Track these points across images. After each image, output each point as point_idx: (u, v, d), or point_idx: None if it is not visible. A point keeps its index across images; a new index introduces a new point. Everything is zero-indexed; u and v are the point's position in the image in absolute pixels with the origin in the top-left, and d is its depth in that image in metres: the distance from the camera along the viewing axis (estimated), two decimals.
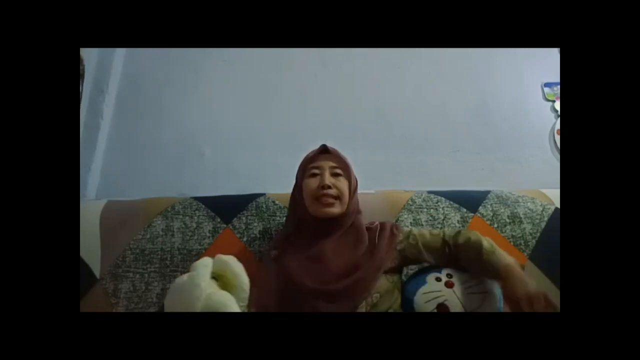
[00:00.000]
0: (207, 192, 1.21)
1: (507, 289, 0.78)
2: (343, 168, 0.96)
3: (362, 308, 0.80)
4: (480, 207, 1.13)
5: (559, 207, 1.13)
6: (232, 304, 0.79)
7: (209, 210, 1.12)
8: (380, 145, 1.46)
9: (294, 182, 1.02)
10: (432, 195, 1.17)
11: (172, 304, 0.84)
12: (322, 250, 0.88)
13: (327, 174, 0.93)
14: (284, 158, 1.35)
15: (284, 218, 1.09)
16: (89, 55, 1.37)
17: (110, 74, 1.46)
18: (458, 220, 1.10)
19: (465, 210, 1.12)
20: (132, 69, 1.52)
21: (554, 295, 0.95)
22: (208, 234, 1.07)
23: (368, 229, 0.95)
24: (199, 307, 0.76)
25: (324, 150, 0.98)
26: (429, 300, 0.84)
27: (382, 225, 0.95)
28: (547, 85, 1.57)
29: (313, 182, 0.93)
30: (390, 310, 0.82)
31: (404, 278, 0.94)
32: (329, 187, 0.91)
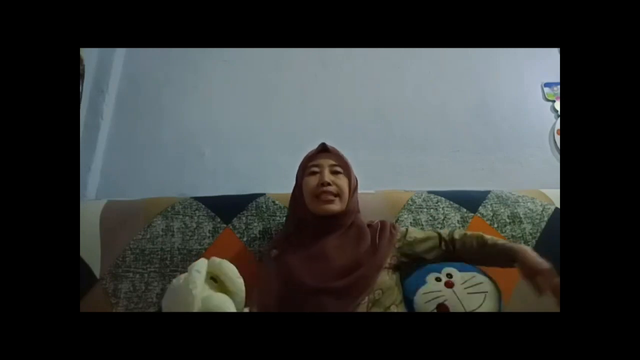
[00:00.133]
0: (207, 192, 1.21)
1: (526, 265, 0.78)
2: (343, 166, 0.96)
3: (365, 304, 0.80)
4: (480, 207, 1.13)
5: (559, 207, 1.13)
6: (229, 306, 0.79)
7: (209, 210, 1.12)
8: (380, 145, 1.46)
9: (294, 182, 1.02)
10: (432, 195, 1.17)
11: (167, 308, 0.84)
12: (324, 248, 0.88)
13: (326, 171, 0.94)
14: (284, 158, 1.35)
15: (284, 218, 1.09)
16: (89, 55, 1.37)
17: (110, 74, 1.46)
18: (458, 220, 1.10)
19: (465, 210, 1.12)
20: (132, 69, 1.52)
21: None
22: (208, 234, 1.07)
23: (369, 226, 0.95)
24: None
25: (324, 149, 0.99)
26: (429, 301, 0.84)
27: (383, 223, 0.95)
28: (547, 85, 1.57)
29: (313, 180, 0.94)
30: (393, 306, 0.83)
31: (403, 276, 0.94)
32: (329, 185, 0.91)
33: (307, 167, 0.97)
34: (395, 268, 0.90)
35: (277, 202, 1.14)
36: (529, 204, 1.14)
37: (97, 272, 1.00)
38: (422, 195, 1.17)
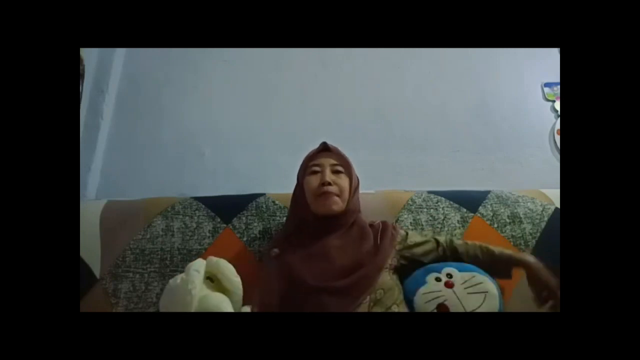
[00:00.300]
0: (207, 192, 1.21)
1: (535, 275, 0.83)
2: (344, 165, 0.96)
3: (366, 304, 0.80)
4: (480, 207, 1.13)
5: (559, 207, 1.13)
6: (226, 305, 0.79)
7: (209, 210, 1.12)
8: (380, 145, 1.46)
9: (294, 182, 1.02)
10: (432, 195, 1.17)
11: (166, 307, 0.84)
12: (325, 248, 0.89)
13: (327, 171, 0.94)
14: (284, 158, 1.36)
15: (284, 218, 1.09)
16: (89, 55, 1.37)
17: (110, 74, 1.46)
18: (458, 220, 1.10)
19: (465, 210, 1.12)
20: (132, 69, 1.52)
21: None
22: (208, 234, 1.07)
23: (371, 226, 0.96)
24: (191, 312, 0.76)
25: (325, 148, 0.99)
26: (429, 301, 0.84)
27: (384, 224, 0.96)
28: (547, 85, 1.57)
29: (314, 180, 0.94)
30: (394, 306, 0.83)
31: (403, 276, 0.94)
32: (330, 184, 0.91)
33: (308, 166, 0.97)
34: (395, 269, 0.90)
35: (277, 202, 1.14)
36: (529, 204, 1.14)
37: (97, 272, 1.00)
38: (422, 195, 1.17)
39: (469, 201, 1.15)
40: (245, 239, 1.07)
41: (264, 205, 1.13)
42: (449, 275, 0.87)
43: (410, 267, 0.93)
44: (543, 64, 1.59)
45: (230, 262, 0.90)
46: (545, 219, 1.11)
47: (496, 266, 0.90)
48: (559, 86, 1.55)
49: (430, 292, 0.85)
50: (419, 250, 0.94)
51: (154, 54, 1.53)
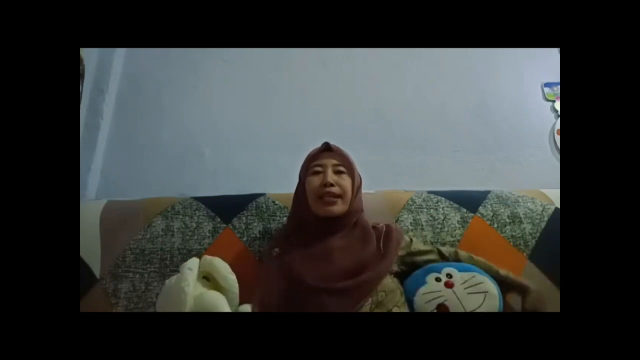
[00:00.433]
0: (207, 192, 1.21)
1: (534, 305, 0.85)
2: (346, 166, 0.96)
3: (368, 306, 0.80)
4: (480, 207, 1.13)
5: (559, 207, 1.13)
6: (222, 303, 0.79)
7: (209, 210, 1.11)
8: (380, 145, 1.46)
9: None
10: (432, 195, 1.17)
11: (162, 307, 0.85)
12: (327, 248, 0.88)
13: (329, 171, 0.93)
14: (284, 158, 1.36)
15: (284, 218, 1.09)
16: (89, 55, 1.37)
17: (110, 74, 1.46)
18: (458, 221, 1.10)
19: (465, 210, 1.12)
20: (132, 69, 1.52)
21: (554, 295, 0.96)
22: (208, 234, 1.07)
23: (374, 228, 0.95)
24: (186, 310, 0.76)
25: (327, 148, 0.98)
26: (429, 301, 0.84)
27: (388, 227, 0.95)
28: (547, 85, 1.57)
29: (316, 180, 0.93)
30: (395, 308, 0.82)
31: (403, 277, 0.94)
32: (332, 185, 0.91)
33: (310, 166, 0.96)
34: (396, 274, 0.90)
35: (277, 202, 1.14)
36: (529, 204, 1.14)
37: (97, 272, 1.00)
38: (422, 195, 1.17)
39: (469, 201, 1.15)
40: (245, 239, 1.07)
41: (264, 205, 1.13)
42: (449, 275, 0.87)
43: (410, 272, 0.92)
44: (543, 64, 1.59)
45: (230, 262, 0.90)
46: (545, 219, 1.11)
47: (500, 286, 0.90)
48: (559, 86, 1.55)
49: (430, 292, 0.85)
50: (421, 258, 0.94)
51: (154, 54, 1.53)
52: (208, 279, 0.87)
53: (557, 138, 1.47)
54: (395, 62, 1.58)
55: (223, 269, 0.86)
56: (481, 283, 0.85)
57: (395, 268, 0.90)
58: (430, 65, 1.59)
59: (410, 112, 1.52)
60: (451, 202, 1.14)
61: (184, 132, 1.45)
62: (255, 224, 1.09)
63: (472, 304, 0.82)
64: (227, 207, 1.13)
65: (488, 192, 1.19)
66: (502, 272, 0.92)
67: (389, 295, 0.83)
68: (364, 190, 1.04)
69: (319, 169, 0.95)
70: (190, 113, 1.48)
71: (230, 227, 1.08)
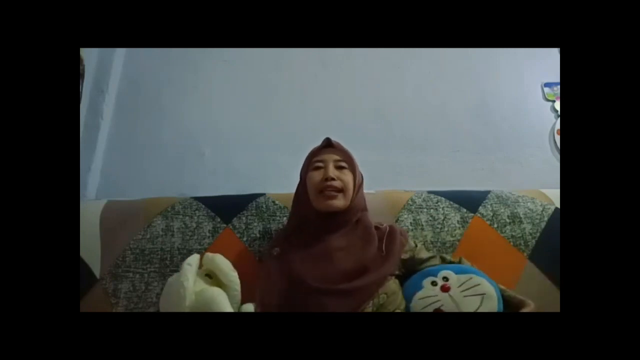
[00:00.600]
0: (207, 192, 1.21)
1: None
2: (347, 161, 0.96)
3: (369, 308, 0.80)
4: (480, 207, 1.13)
5: (559, 207, 1.13)
6: (222, 299, 0.79)
7: (209, 210, 1.11)
8: (380, 145, 1.46)
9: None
10: (432, 195, 1.17)
11: (163, 304, 0.85)
12: (328, 248, 0.88)
13: (331, 166, 0.93)
14: (284, 158, 1.36)
15: (284, 218, 1.09)
16: (89, 55, 1.37)
17: (110, 74, 1.46)
18: (458, 221, 1.10)
19: (465, 210, 1.12)
20: (132, 69, 1.52)
21: (554, 295, 0.96)
22: (208, 234, 1.07)
23: (377, 228, 0.94)
24: (185, 305, 0.77)
25: (328, 144, 0.98)
26: (425, 306, 0.83)
27: (392, 229, 0.94)
28: (547, 85, 1.57)
29: (317, 175, 0.93)
30: (397, 311, 0.82)
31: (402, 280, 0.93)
32: (333, 179, 0.91)
33: (311, 162, 0.97)
34: (397, 277, 0.90)
35: (277, 202, 1.14)
36: (529, 204, 1.14)
37: (97, 272, 1.00)
38: (422, 195, 1.17)
39: (469, 201, 1.15)
40: (245, 239, 1.07)
41: (264, 205, 1.13)
42: (445, 279, 0.85)
43: (408, 276, 0.92)
44: (543, 64, 1.59)
45: (230, 262, 0.90)
46: (545, 219, 1.11)
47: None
48: (559, 86, 1.55)
49: (426, 297, 0.83)
50: (422, 266, 0.92)
51: (154, 54, 1.53)
52: (211, 276, 0.88)
53: (557, 138, 1.47)
54: (395, 62, 1.58)
55: (225, 266, 0.86)
56: (478, 285, 0.83)
57: (396, 271, 0.89)
58: (430, 65, 1.59)
59: (410, 112, 1.52)
60: (451, 202, 1.14)
61: (184, 132, 1.45)
62: (255, 224, 1.09)
63: (468, 307, 0.81)
64: (227, 207, 1.13)
65: (488, 192, 1.19)
66: (500, 287, 0.88)
67: (390, 298, 0.82)
68: (364, 190, 1.04)
69: (320, 164, 0.95)
70: (190, 113, 1.48)
71: (230, 227, 1.08)
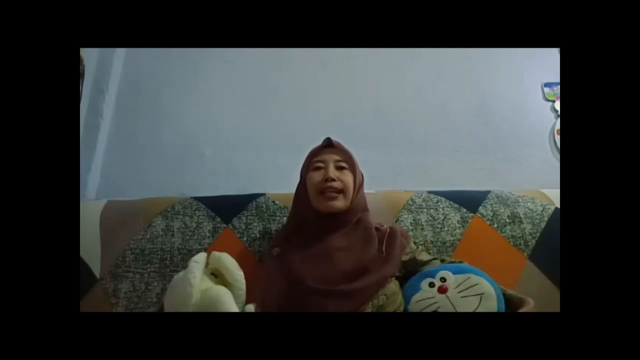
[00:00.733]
0: (207, 192, 1.21)
1: None
2: (348, 162, 0.96)
3: (369, 309, 0.80)
4: (480, 207, 1.13)
5: (559, 207, 1.13)
6: (227, 298, 0.79)
7: (209, 210, 1.12)
8: (380, 145, 1.46)
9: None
10: (432, 195, 1.17)
11: (168, 301, 0.85)
12: (328, 248, 0.88)
13: (331, 167, 0.93)
14: (284, 158, 1.36)
15: (284, 218, 1.09)
16: (89, 55, 1.37)
17: (110, 74, 1.46)
18: (458, 221, 1.10)
19: (465, 210, 1.12)
20: (132, 69, 1.52)
21: (554, 295, 0.96)
22: (208, 234, 1.07)
23: (377, 229, 0.94)
24: (191, 303, 0.77)
25: (329, 144, 0.98)
26: (423, 309, 0.82)
27: (392, 230, 0.94)
28: (547, 85, 1.57)
29: (317, 175, 0.93)
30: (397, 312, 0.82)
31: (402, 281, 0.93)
32: (333, 180, 0.91)
33: (311, 162, 0.96)
34: (397, 278, 0.89)
35: (277, 202, 1.14)
36: (529, 204, 1.14)
37: (97, 272, 1.00)
38: (422, 195, 1.17)
39: (469, 201, 1.15)
40: (245, 239, 1.07)
41: (264, 205, 1.13)
42: (443, 279, 0.84)
43: (407, 278, 0.91)
44: (543, 64, 1.59)
45: None
46: (545, 219, 1.11)
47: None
48: (559, 86, 1.55)
49: (423, 300, 0.83)
50: (422, 268, 0.91)
51: (154, 54, 1.53)
52: (216, 275, 0.87)
53: (557, 138, 1.48)
54: (395, 62, 1.58)
55: (231, 264, 0.86)
56: (477, 285, 0.82)
57: (397, 272, 0.89)
58: (430, 65, 1.59)
59: (410, 112, 1.52)
60: (451, 202, 1.14)
61: (184, 132, 1.45)
62: (255, 224, 1.09)
63: (466, 307, 0.80)
64: (227, 207, 1.13)
65: (488, 192, 1.19)
66: (500, 286, 0.87)
67: (389, 299, 0.82)
68: (364, 190, 1.04)
69: (320, 164, 0.95)
70: (190, 113, 1.48)
71: (230, 227, 1.08)
